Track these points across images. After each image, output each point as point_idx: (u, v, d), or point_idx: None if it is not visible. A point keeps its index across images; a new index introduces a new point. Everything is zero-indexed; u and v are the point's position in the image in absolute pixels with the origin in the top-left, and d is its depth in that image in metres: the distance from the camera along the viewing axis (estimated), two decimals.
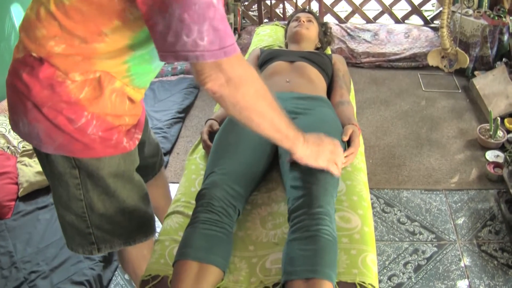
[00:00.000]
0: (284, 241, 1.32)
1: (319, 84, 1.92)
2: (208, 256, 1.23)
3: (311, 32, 2.30)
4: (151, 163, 1.75)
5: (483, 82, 3.33)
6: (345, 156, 1.58)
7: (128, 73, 1.17)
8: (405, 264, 2.17)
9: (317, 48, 2.40)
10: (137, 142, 1.32)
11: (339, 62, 2.14)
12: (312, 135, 1.32)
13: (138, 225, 1.47)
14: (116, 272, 2.23)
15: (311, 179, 1.35)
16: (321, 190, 1.32)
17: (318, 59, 2.05)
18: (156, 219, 2.39)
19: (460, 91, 3.51)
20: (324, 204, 1.29)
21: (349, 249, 1.34)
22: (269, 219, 1.48)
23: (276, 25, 2.96)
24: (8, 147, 2.85)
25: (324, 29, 2.47)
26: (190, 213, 1.41)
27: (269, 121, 1.15)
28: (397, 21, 4.27)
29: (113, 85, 1.15)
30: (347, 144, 1.62)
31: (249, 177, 1.47)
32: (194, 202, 1.38)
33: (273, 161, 1.62)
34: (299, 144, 1.26)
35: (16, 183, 2.63)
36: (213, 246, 1.26)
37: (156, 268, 1.35)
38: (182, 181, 1.67)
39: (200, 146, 1.81)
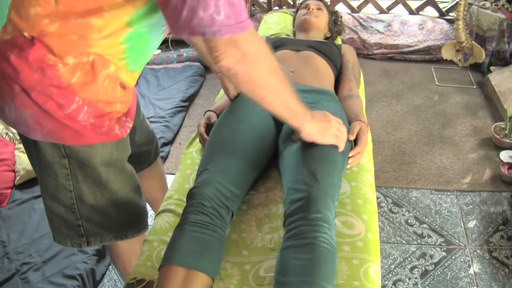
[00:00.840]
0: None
1: (326, 76, 1.80)
2: (196, 262, 1.13)
3: (320, 21, 2.18)
4: (144, 151, 1.68)
5: (499, 79, 3.19)
6: (351, 156, 1.47)
7: (124, 55, 1.11)
8: (411, 269, 2.06)
9: (326, 38, 2.28)
10: (128, 130, 1.25)
11: (349, 53, 2.02)
12: (317, 112, 1.32)
13: (130, 218, 1.40)
14: (110, 267, 2.15)
15: (311, 180, 1.24)
16: (320, 194, 1.21)
17: (326, 49, 1.93)
18: (152, 213, 2.33)
19: (474, 86, 3.37)
20: (323, 209, 1.18)
21: (350, 258, 1.23)
22: (266, 221, 1.37)
23: (285, 12, 2.83)
24: (7, 134, 2.77)
25: (335, 18, 2.35)
26: None
27: (281, 98, 1.15)
28: (411, 12, 4.11)
29: (107, 69, 1.10)
30: (354, 143, 1.51)
31: (246, 175, 1.37)
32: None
33: (272, 158, 1.51)
34: (307, 121, 1.25)
35: (13, 171, 2.56)
36: (202, 250, 1.16)
37: (142, 271, 1.26)
38: (176, 176, 1.57)
39: (197, 139, 1.71)
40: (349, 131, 1.52)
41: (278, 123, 1.56)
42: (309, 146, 1.34)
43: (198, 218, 1.20)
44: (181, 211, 1.37)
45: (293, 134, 1.43)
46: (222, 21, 0.92)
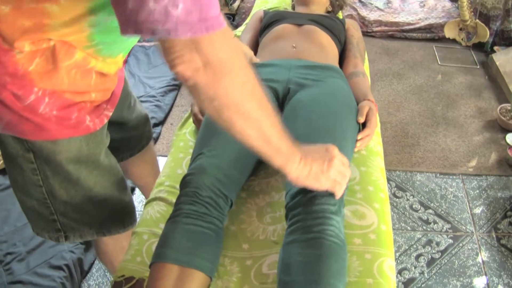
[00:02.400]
0: None
1: (331, 52, 1.66)
2: (191, 259, 1.00)
3: None
4: (135, 136, 1.53)
5: (504, 59, 3.06)
6: (360, 139, 1.34)
7: (92, 42, 0.93)
8: (417, 257, 1.95)
9: (327, 12, 2.13)
10: (105, 120, 1.09)
11: (353, 28, 1.88)
12: (314, 149, 1.01)
13: (113, 214, 1.26)
14: None
15: None
16: None
17: (330, 23, 1.78)
18: (142, 198, 2.20)
19: (478, 66, 3.24)
20: (331, 200, 1.04)
21: (362, 252, 1.11)
22: (268, 211, 1.24)
23: None
24: None
25: None
26: (175, 200, 1.17)
27: (256, 126, 0.86)
28: None
29: (72, 57, 0.92)
30: (362, 124, 1.38)
31: (245, 159, 1.23)
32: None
33: None
34: (294, 163, 0.95)
35: None
36: (198, 246, 1.03)
37: (131, 268, 1.13)
38: (168, 160, 1.43)
39: (191, 120, 1.57)
40: (357, 112, 1.39)
41: (281, 100, 1.43)
42: (313, 130, 1.21)
43: (193, 208, 1.06)
44: (173, 200, 1.25)
45: (298, 108, 1.29)
46: (179, 16, 0.69)
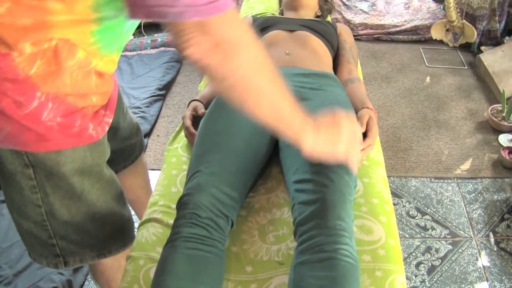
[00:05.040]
0: (291, 259, 1.03)
1: (325, 57, 1.61)
2: (193, 287, 0.93)
3: None
4: (128, 145, 1.47)
5: (492, 59, 3.05)
6: (362, 150, 1.29)
7: (93, 38, 0.89)
8: (417, 265, 1.91)
9: (317, 17, 2.09)
10: (106, 128, 1.04)
11: (345, 33, 1.83)
12: (322, 116, 0.99)
13: (114, 232, 1.20)
14: (89, 276, 1.94)
15: (321, 177, 1.05)
16: (337, 194, 1.03)
17: (322, 28, 1.73)
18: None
19: (466, 67, 3.22)
20: (342, 215, 0.99)
21: (372, 270, 1.05)
22: (270, 229, 1.18)
23: None
24: None
25: None
26: (171, 221, 1.11)
27: (269, 102, 0.86)
28: None
29: (75, 56, 0.88)
30: (363, 134, 1.33)
31: (244, 176, 1.17)
32: (175, 207, 1.08)
33: (272, 153, 1.32)
34: (307, 134, 0.94)
35: None
36: (200, 271, 0.96)
37: None
38: (161, 178, 1.36)
39: (182, 133, 1.50)
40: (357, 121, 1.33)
41: None
42: None
43: (193, 231, 1.00)
44: (169, 221, 1.18)
45: None
46: (187, 0, 0.69)
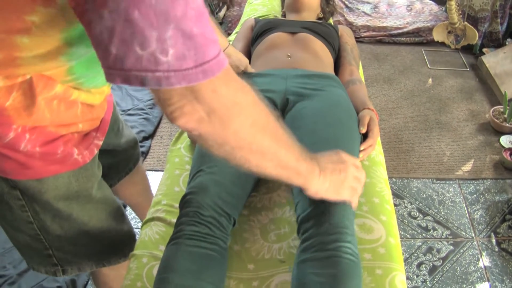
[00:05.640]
0: (293, 257, 1.04)
1: (326, 59, 1.63)
2: (196, 283, 0.95)
3: (312, 0, 2.00)
4: (124, 159, 1.44)
5: (494, 61, 3.06)
6: (363, 149, 1.30)
7: (72, 76, 0.84)
8: (418, 265, 1.92)
9: (319, 19, 2.10)
10: (96, 151, 1.01)
11: (347, 35, 1.84)
12: (327, 159, 0.97)
13: (112, 245, 1.19)
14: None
15: None
16: None
17: (323, 30, 1.75)
18: (133, 215, 2.13)
19: (468, 69, 3.23)
20: (344, 213, 1.01)
21: (373, 268, 1.07)
22: (272, 228, 1.19)
23: None
24: None
25: None
26: (174, 220, 1.12)
27: (273, 158, 0.80)
28: None
29: (52, 90, 0.83)
30: (364, 134, 1.34)
31: (246, 175, 1.18)
32: (178, 206, 1.09)
33: None
34: (313, 179, 0.91)
35: None
36: (202, 269, 0.97)
37: None
38: (164, 178, 1.37)
39: (185, 134, 1.51)
40: (358, 122, 1.35)
41: (279, 112, 1.38)
42: (316, 141, 1.17)
43: (195, 229, 1.01)
44: (171, 219, 1.19)
45: (297, 120, 1.25)
46: (171, 63, 0.58)
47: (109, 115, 1.08)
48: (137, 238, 1.24)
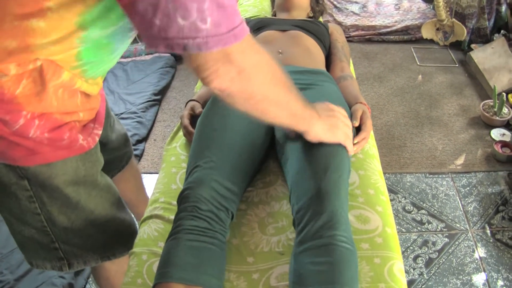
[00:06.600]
0: (291, 249, 1.05)
1: (318, 56, 1.64)
2: (197, 277, 0.95)
3: None
4: (117, 156, 1.48)
5: (482, 56, 3.09)
6: (357, 143, 1.31)
7: (79, 62, 0.89)
8: (415, 258, 1.93)
9: (309, 18, 2.12)
10: (97, 139, 1.05)
11: (337, 32, 1.86)
12: (320, 106, 1.13)
13: (116, 236, 1.21)
14: (90, 279, 1.95)
15: (317, 168, 1.08)
16: (332, 184, 1.05)
17: (314, 27, 1.77)
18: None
19: (457, 65, 3.27)
20: (338, 203, 1.02)
21: (371, 257, 1.08)
22: (270, 221, 1.20)
23: None
24: None
25: None
26: (172, 217, 1.12)
27: (286, 107, 0.95)
28: None
29: (60, 78, 0.88)
30: (357, 128, 1.36)
31: (242, 169, 1.20)
32: (176, 203, 1.10)
33: (269, 148, 1.35)
34: (315, 123, 1.07)
35: None
36: (203, 262, 0.98)
37: None
38: (160, 176, 1.38)
39: (180, 133, 1.52)
40: (350, 116, 1.36)
41: None
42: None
43: (194, 224, 1.02)
44: (170, 216, 1.20)
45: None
46: (209, 29, 0.69)
47: (103, 108, 1.12)
48: None
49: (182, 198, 1.07)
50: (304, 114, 1.02)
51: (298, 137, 1.19)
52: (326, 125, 1.10)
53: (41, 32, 0.78)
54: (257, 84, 0.85)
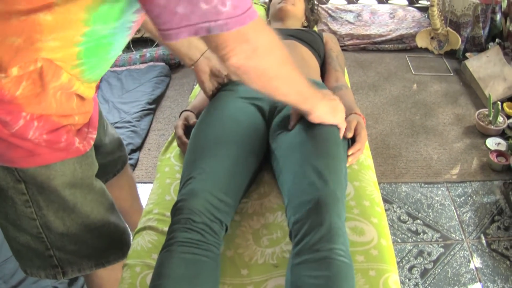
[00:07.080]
0: (286, 262, 1.04)
1: (312, 65, 1.64)
2: None
3: (297, 9, 2.02)
4: (111, 160, 1.49)
5: (477, 65, 3.10)
6: (351, 154, 1.31)
7: (79, 61, 0.91)
8: (410, 269, 1.92)
9: (303, 27, 2.12)
10: (92, 142, 1.06)
11: (332, 42, 1.86)
12: (322, 90, 1.21)
13: (110, 242, 1.21)
14: None
15: (314, 178, 1.07)
16: (330, 195, 1.04)
17: (308, 37, 1.77)
18: None
19: (452, 74, 3.28)
20: (336, 215, 1.01)
21: (366, 269, 1.07)
22: (264, 233, 1.19)
23: (255, 3, 2.66)
24: None
25: (311, 6, 2.20)
26: (166, 228, 1.11)
27: (295, 86, 1.04)
28: (380, 1, 4.01)
29: (59, 80, 0.90)
30: (351, 138, 1.35)
31: (237, 180, 1.19)
32: (169, 215, 1.09)
33: (263, 159, 1.34)
34: (318, 103, 1.16)
35: None
36: (197, 274, 0.97)
37: None
38: (154, 187, 1.37)
39: (175, 143, 1.51)
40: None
41: (267, 118, 1.39)
42: (305, 140, 1.19)
43: (188, 236, 1.01)
44: (164, 228, 1.19)
45: (287, 121, 1.30)
46: (229, 12, 0.77)
47: (96, 113, 1.14)
48: None
49: (176, 210, 1.06)
50: (309, 93, 1.10)
51: (294, 146, 1.19)
52: (328, 106, 1.18)
53: (48, 26, 0.81)
54: (270, 61, 0.92)
